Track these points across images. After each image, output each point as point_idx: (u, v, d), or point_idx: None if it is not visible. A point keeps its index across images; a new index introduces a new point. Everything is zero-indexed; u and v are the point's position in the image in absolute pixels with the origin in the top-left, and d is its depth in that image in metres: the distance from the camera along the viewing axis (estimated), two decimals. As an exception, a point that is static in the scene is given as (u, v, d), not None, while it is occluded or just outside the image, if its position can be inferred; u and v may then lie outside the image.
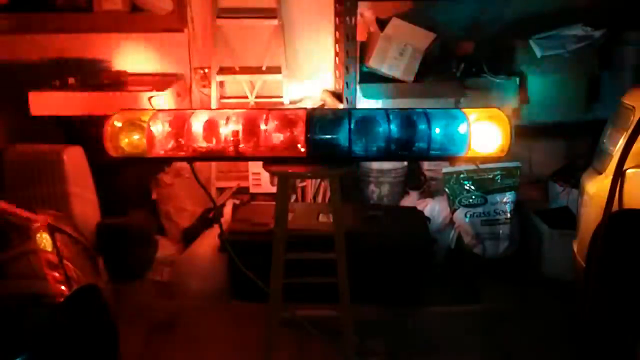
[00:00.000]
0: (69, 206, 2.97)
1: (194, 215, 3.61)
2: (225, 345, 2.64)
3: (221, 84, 3.89)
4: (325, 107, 3.76)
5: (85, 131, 3.23)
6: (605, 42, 3.52)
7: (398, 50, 3.48)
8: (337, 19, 3.76)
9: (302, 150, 1.93)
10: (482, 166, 3.26)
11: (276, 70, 3.79)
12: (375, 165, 3.64)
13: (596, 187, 2.38)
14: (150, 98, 3.29)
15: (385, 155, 1.97)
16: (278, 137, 1.94)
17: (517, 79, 3.54)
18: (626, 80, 3.42)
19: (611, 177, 2.24)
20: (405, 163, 3.70)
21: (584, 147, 3.16)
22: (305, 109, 1.98)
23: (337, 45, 3.82)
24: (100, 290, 1.78)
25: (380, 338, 2.68)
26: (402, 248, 2.90)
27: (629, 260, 2.21)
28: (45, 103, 3.34)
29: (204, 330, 2.75)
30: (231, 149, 1.96)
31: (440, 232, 3.41)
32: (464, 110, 1.99)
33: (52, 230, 1.78)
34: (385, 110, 1.98)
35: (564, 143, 3.80)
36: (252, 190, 3.86)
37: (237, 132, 1.95)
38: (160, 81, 3.61)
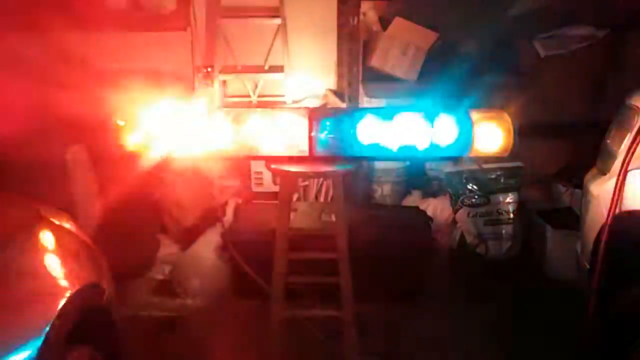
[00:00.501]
0: (72, 204, 2.97)
1: (196, 214, 3.61)
2: (227, 344, 2.64)
3: (224, 82, 3.89)
4: (328, 106, 3.75)
5: (88, 130, 3.23)
6: (609, 42, 3.52)
7: (401, 50, 3.48)
8: (340, 18, 3.76)
9: (305, 149, 1.92)
10: (485, 166, 3.26)
11: (279, 69, 3.79)
12: (378, 164, 3.64)
13: (600, 187, 2.38)
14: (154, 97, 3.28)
15: (387, 154, 1.96)
16: (281, 137, 1.94)
17: (521, 79, 3.54)
18: (630, 80, 3.41)
19: (615, 177, 2.23)
20: (408, 163, 3.70)
21: (587, 147, 3.13)
22: (307, 108, 1.98)
23: (340, 45, 3.82)
24: (103, 288, 1.78)
25: (382, 338, 2.68)
26: (404, 248, 2.90)
27: (632, 261, 2.21)
28: (49, 102, 3.34)
29: (206, 329, 2.75)
30: (234, 148, 1.96)
31: (443, 232, 3.40)
32: (467, 110, 1.98)
33: (54, 228, 1.78)
34: (388, 109, 1.97)
35: (567, 143, 3.78)
36: (255, 189, 3.86)
37: (239, 131, 1.95)
38: (163, 80, 3.60)
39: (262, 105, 3.82)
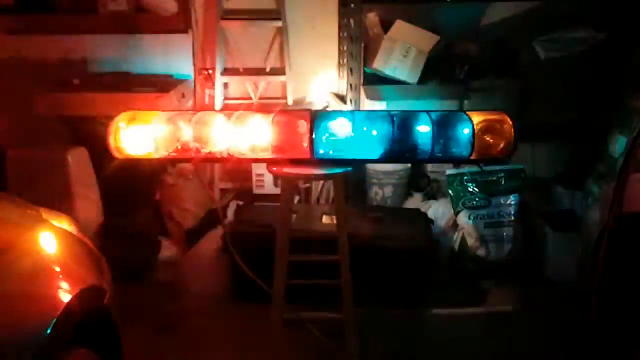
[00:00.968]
0: (73, 207, 2.97)
1: (197, 217, 3.62)
2: (228, 346, 2.64)
3: (225, 85, 3.90)
4: (329, 108, 3.76)
5: (90, 132, 3.24)
6: (610, 45, 3.52)
7: (402, 52, 3.48)
8: (341, 20, 3.76)
9: (306, 151, 1.93)
10: (486, 168, 3.26)
11: (280, 71, 3.80)
12: (379, 167, 3.64)
13: (601, 190, 2.38)
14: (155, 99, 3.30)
15: (389, 157, 1.96)
16: (282, 139, 1.94)
17: (522, 81, 3.54)
18: (631, 83, 3.41)
19: (616, 180, 2.23)
20: (409, 165, 3.70)
21: (589, 150, 3.14)
22: (309, 110, 1.98)
23: (341, 47, 3.82)
24: (104, 291, 1.78)
25: (384, 340, 2.68)
26: (405, 250, 2.90)
27: (634, 264, 2.20)
28: (50, 104, 3.35)
29: (207, 332, 2.75)
30: (235, 150, 1.96)
31: (444, 235, 3.40)
32: (468, 112, 1.98)
33: (55, 231, 1.78)
34: (389, 112, 1.98)
35: (568, 146, 3.78)
36: (256, 191, 3.86)
37: (241, 133, 1.95)
38: (164, 82, 3.61)
39: (263, 107, 3.82)
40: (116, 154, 1.95)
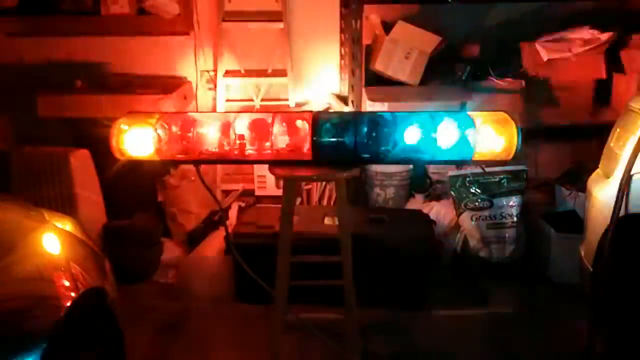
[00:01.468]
0: (76, 208, 2.98)
1: (200, 218, 3.62)
2: (230, 347, 2.64)
3: (227, 87, 3.90)
4: (331, 110, 3.76)
5: (92, 134, 3.25)
6: (613, 45, 3.51)
7: (404, 54, 3.48)
8: (342, 22, 3.77)
9: (308, 153, 1.93)
10: (488, 169, 3.25)
11: (282, 73, 3.80)
12: (381, 168, 3.64)
13: (604, 191, 2.37)
14: (158, 101, 3.30)
15: (390, 158, 1.96)
16: (284, 140, 1.94)
17: (523, 82, 3.54)
18: (634, 83, 3.41)
19: (619, 181, 2.23)
20: (411, 166, 3.70)
21: (591, 150, 3.13)
22: (310, 111, 1.98)
23: (342, 49, 3.83)
24: (107, 292, 1.78)
25: (385, 341, 2.68)
26: (407, 251, 2.89)
27: (636, 264, 2.20)
28: (53, 106, 3.36)
29: (209, 333, 2.75)
30: (237, 152, 1.97)
31: (446, 236, 3.40)
32: (470, 113, 1.98)
33: (58, 232, 1.79)
34: (391, 113, 1.98)
35: (570, 146, 3.78)
36: (258, 192, 3.87)
37: (243, 135, 1.95)
38: (166, 84, 3.62)
39: (265, 109, 3.83)
40: (118, 156, 1.96)
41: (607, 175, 2.39)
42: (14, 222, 1.71)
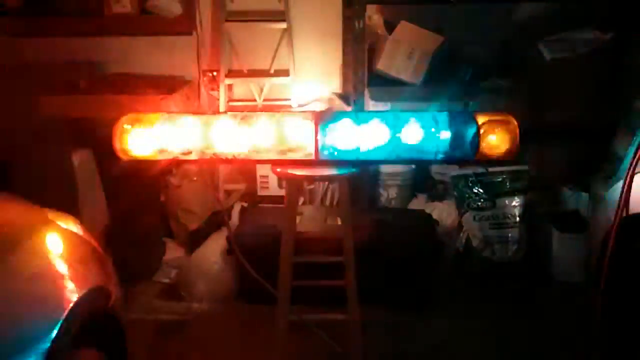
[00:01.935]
0: (78, 208, 2.98)
1: (202, 218, 3.62)
2: (233, 347, 2.64)
3: (229, 86, 3.90)
4: (334, 110, 3.76)
5: (95, 134, 3.25)
6: (616, 46, 3.50)
7: (406, 53, 3.48)
8: (345, 22, 3.76)
9: (311, 153, 1.93)
10: (491, 169, 3.25)
11: (284, 73, 3.80)
12: (384, 168, 3.64)
13: (607, 190, 2.37)
14: (160, 101, 3.31)
15: (393, 158, 1.96)
16: (286, 140, 1.94)
17: (526, 82, 3.53)
18: (636, 83, 3.40)
19: (622, 180, 2.22)
20: (413, 166, 3.70)
21: (594, 150, 3.13)
22: (313, 111, 1.97)
23: (345, 48, 3.82)
24: (109, 291, 1.78)
25: (389, 341, 2.68)
26: (410, 251, 2.89)
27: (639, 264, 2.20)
28: (55, 106, 3.36)
29: (212, 333, 2.76)
30: (239, 151, 1.97)
31: (448, 236, 3.39)
32: (473, 113, 1.98)
33: (61, 232, 1.79)
34: (394, 113, 1.97)
35: (573, 146, 3.77)
36: (260, 193, 3.87)
37: (245, 135, 1.95)
38: (169, 84, 3.62)
39: (267, 109, 3.83)
40: (121, 156, 1.96)
41: (610, 175, 2.39)
42: (17, 222, 1.71)
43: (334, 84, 3.94)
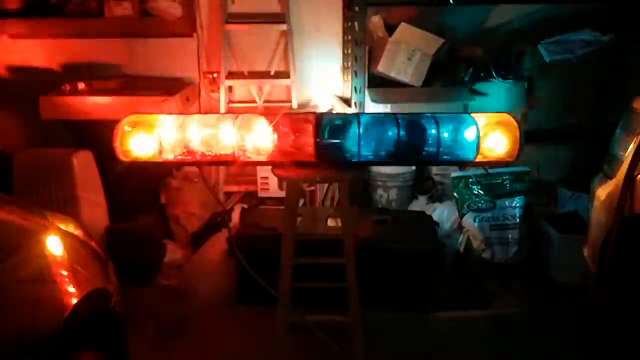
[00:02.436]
0: (78, 210, 2.99)
1: (202, 220, 3.62)
2: (233, 349, 2.64)
3: (230, 88, 3.91)
4: (334, 111, 3.76)
5: (95, 135, 3.25)
6: (615, 47, 3.51)
7: (406, 55, 3.48)
8: (345, 23, 3.77)
9: (311, 154, 1.93)
10: (491, 171, 3.25)
11: (284, 75, 3.81)
12: (384, 169, 3.64)
13: (606, 192, 2.37)
14: (161, 102, 3.31)
15: (393, 159, 1.96)
16: (287, 142, 1.95)
17: (526, 84, 3.54)
18: (635, 84, 3.40)
19: (621, 182, 2.22)
20: (414, 167, 3.70)
21: (593, 151, 3.13)
22: (313, 113, 1.98)
23: (345, 50, 3.83)
24: (110, 294, 1.79)
25: (389, 343, 2.67)
26: (410, 252, 2.89)
27: (639, 265, 2.20)
28: (55, 107, 3.36)
29: (212, 334, 2.75)
30: (239, 153, 1.97)
31: (448, 237, 3.40)
32: (473, 114, 1.99)
33: (61, 234, 1.79)
34: (394, 114, 1.98)
35: (573, 148, 3.78)
36: (260, 194, 3.87)
37: (245, 137, 1.96)
38: (169, 86, 3.63)
39: (268, 110, 3.83)
40: (121, 157, 1.96)
41: (610, 176, 2.39)
42: (17, 224, 1.72)
43: (335, 86, 3.94)
